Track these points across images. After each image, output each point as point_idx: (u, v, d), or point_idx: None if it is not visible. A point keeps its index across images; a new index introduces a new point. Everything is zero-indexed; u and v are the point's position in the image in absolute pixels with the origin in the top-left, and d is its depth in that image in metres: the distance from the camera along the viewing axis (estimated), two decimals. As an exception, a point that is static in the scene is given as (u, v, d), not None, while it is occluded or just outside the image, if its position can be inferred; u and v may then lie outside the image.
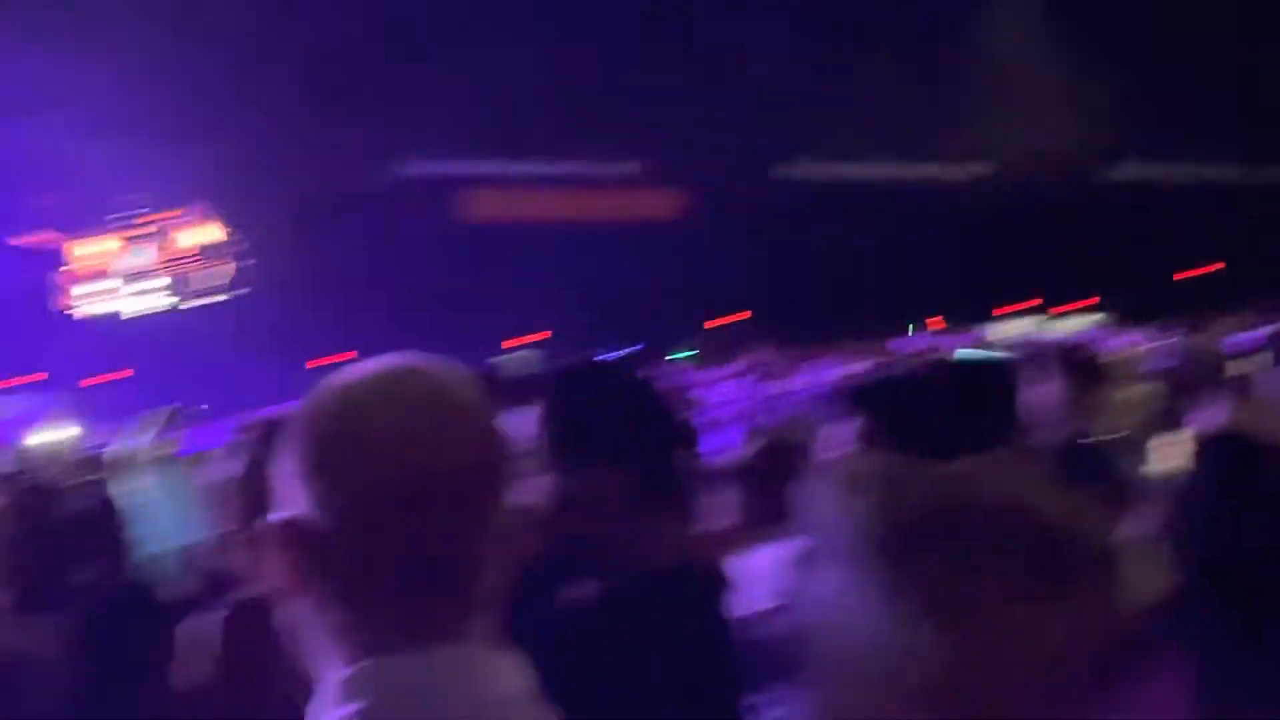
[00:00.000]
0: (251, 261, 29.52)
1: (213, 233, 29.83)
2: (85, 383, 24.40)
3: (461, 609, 1.44)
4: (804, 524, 1.37)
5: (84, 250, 28.64)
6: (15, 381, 22.85)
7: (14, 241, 27.32)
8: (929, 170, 30.34)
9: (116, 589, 4.29)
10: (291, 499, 1.44)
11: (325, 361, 25.08)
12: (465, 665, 1.42)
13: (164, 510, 6.31)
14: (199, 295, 29.46)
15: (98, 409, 16.70)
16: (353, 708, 1.37)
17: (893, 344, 15.14)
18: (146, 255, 29.09)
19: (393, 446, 1.40)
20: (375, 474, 1.40)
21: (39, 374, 23.69)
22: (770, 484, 3.97)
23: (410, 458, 1.40)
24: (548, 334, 23.86)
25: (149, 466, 6.90)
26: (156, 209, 29.19)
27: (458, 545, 1.43)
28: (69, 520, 4.44)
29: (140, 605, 4.19)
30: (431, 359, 1.52)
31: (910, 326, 22.19)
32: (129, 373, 26.11)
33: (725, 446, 5.66)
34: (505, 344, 22.52)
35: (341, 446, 1.42)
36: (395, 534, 1.40)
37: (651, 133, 28.29)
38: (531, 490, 2.50)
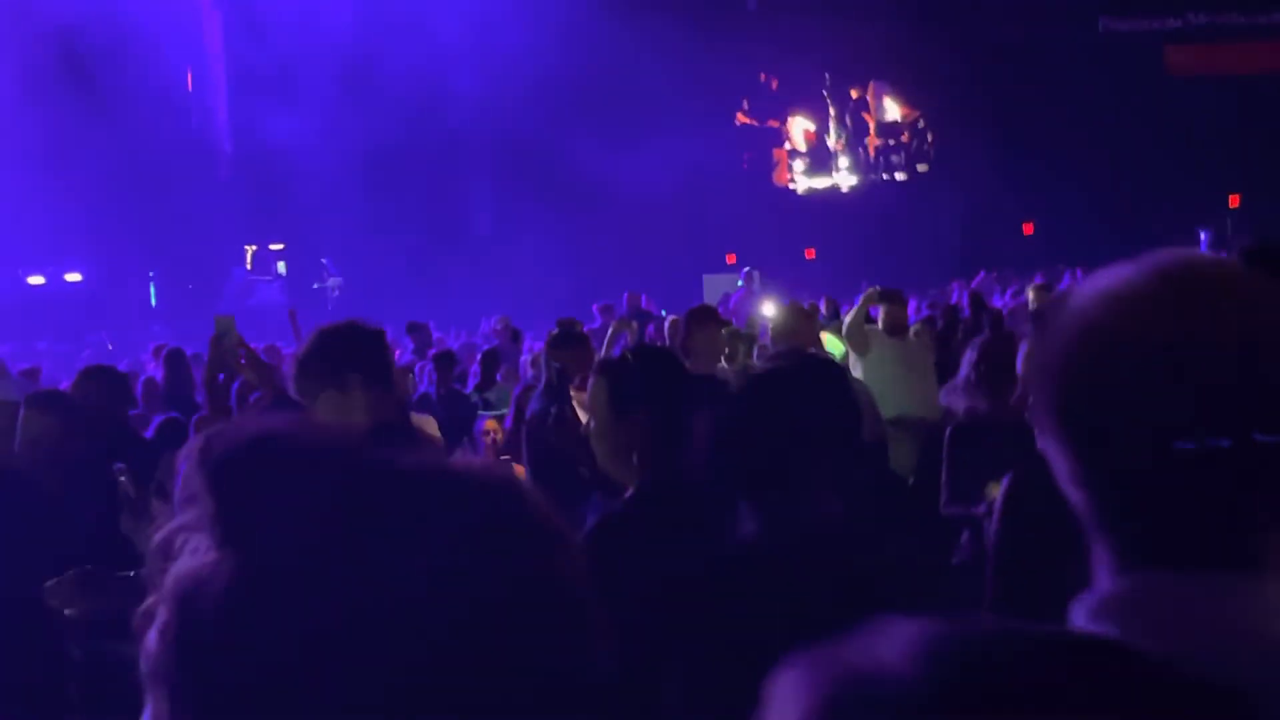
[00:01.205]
0: (930, 139, 29.75)
1: (894, 110, 30.33)
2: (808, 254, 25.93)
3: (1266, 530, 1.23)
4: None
5: (798, 128, 30.25)
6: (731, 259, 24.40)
7: (740, 120, 29.34)
8: None
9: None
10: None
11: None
12: (1259, 598, 1.20)
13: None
14: (883, 173, 30.13)
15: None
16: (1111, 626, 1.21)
17: None
18: (838, 133, 30.25)
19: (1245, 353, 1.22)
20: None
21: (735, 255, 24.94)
22: None
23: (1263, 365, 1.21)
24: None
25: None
26: (841, 87, 30.08)
27: None
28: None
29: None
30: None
31: None
32: (811, 253, 27.04)
33: None
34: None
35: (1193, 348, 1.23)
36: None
37: None
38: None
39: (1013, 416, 4.77)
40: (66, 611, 3.25)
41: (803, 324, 7.39)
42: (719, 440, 2.53)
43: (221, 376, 4.23)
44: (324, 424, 1.14)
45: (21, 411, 4.78)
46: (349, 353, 3.64)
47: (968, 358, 5.52)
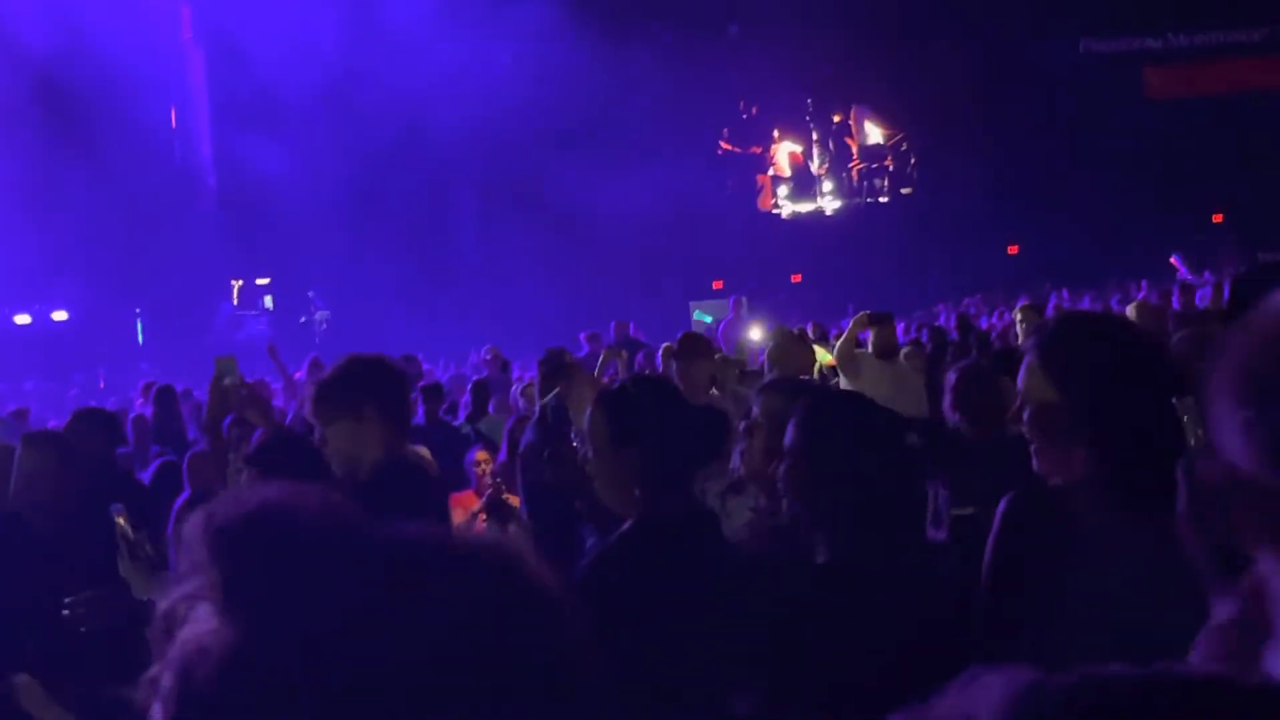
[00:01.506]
0: (913, 162, 29.85)
1: (876, 134, 30.46)
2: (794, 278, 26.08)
3: None
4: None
5: (782, 153, 30.41)
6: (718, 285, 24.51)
7: (723, 148, 29.50)
8: None
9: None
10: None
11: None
12: None
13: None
14: (866, 196, 30.24)
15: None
16: None
17: None
18: (820, 158, 30.40)
19: None
20: None
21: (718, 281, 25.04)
22: None
23: None
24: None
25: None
26: (823, 112, 30.24)
27: None
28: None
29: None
30: None
31: None
32: (798, 278, 27.12)
33: None
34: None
35: None
36: None
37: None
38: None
39: (992, 438, 4.82)
40: (81, 629, 3.26)
41: (797, 349, 7.43)
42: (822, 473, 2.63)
43: (228, 419, 4.27)
44: (325, 495, 1.15)
45: (18, 452, 4.79)
46: (370, 385, 3.68)
47: (948, 381, 5.61)
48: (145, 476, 7.99)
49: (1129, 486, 2.46)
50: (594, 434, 3.00)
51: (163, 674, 1.07)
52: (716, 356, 8.32)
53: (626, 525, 2.91)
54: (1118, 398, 2.49)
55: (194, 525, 1.08)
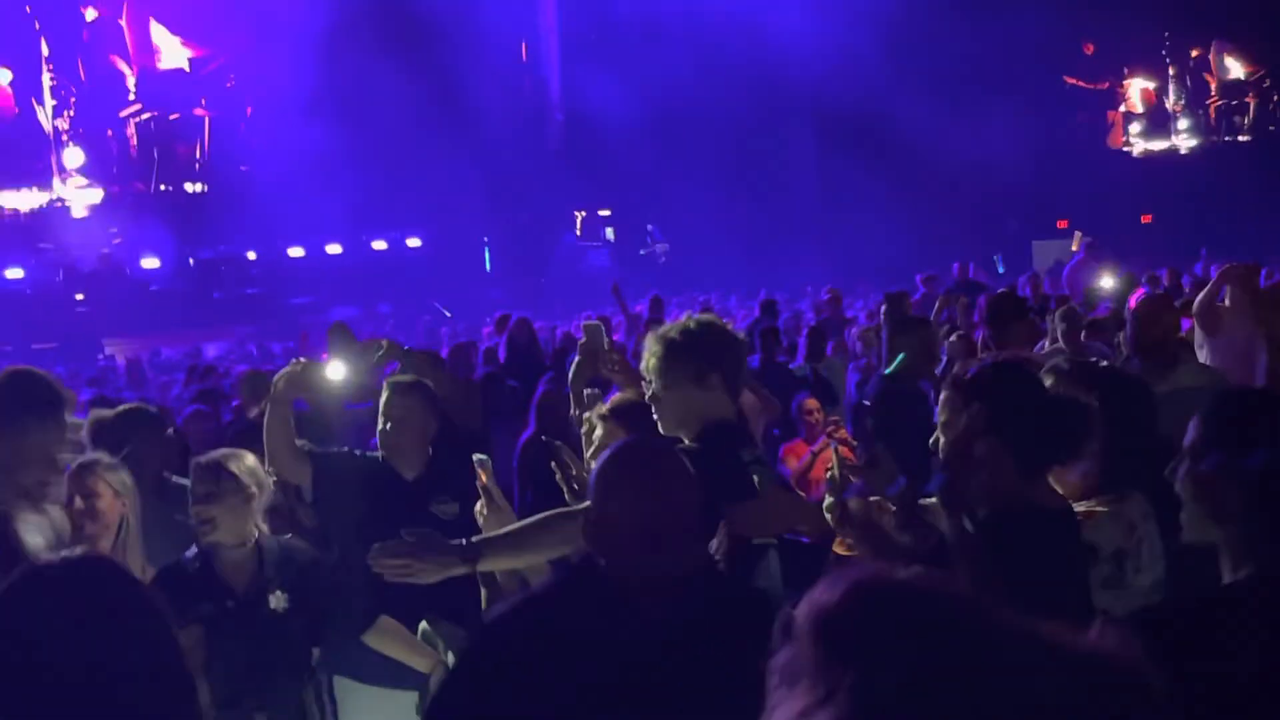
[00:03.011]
0: (1276, 99, 28.16)
1: (1237, 69, 28.91)
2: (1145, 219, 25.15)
3: None
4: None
5: (1134, 89, 29.33)
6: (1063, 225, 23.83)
7: (1070, 81, 28.65)
8: None
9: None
10: None
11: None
12: None
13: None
14: (1225, 135, 28.80)
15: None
16: None
17: None
18: (1177, 94, 29.13)
19: None
20: None
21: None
22: None
23: None
24: None
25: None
26: (1180, 46, 28.92)
27: None
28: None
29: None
30: None
31: None
32: (1148, 218, 26.11)
33: None
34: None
35: None
36: None
37: None
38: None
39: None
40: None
41: (1165, 314, 6.54)
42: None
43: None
44: (940, 580, 1.14)
45: (384, 396, 5.04)
46: (717, 353, 3.75)
47: None
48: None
49: None
50: (949, 424, 2.92)
51: None
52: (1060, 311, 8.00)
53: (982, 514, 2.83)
54: None
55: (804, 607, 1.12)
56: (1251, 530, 2.22)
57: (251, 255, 25.58)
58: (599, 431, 4.04)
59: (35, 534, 3.75)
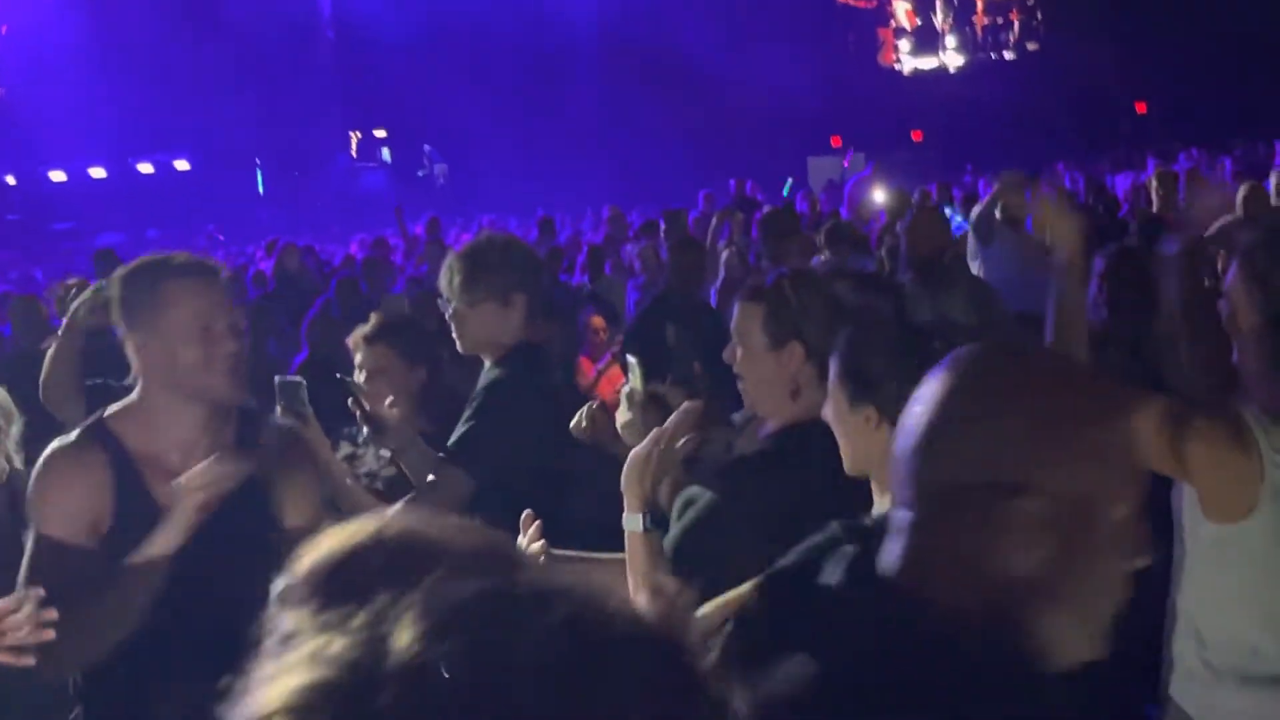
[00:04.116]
0: (1039, 17, 28.93)
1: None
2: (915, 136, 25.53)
3: None
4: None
5: (902, 7, 29.69)
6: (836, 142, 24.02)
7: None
8: None
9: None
10: None
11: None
12: None
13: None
14: (990, 52, 29.47)
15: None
16: None
17: None
18: (944, 11, 29.60)
19: None
20: None
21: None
22: None
23: None
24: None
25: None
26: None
27: None
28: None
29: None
30: None
31: None
32: (919, 135, 26.63)
33: None
34: None
35: None
36: None
37: None
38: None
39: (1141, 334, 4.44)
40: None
41: (935, 226, 6.70)
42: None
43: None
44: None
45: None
46: (523, 273, 3.67)
47: (1095, 266, 4.99)
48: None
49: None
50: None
51: None
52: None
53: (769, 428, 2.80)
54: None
55: None
56: None
57: (10, 180, 24.53)
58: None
59: None
